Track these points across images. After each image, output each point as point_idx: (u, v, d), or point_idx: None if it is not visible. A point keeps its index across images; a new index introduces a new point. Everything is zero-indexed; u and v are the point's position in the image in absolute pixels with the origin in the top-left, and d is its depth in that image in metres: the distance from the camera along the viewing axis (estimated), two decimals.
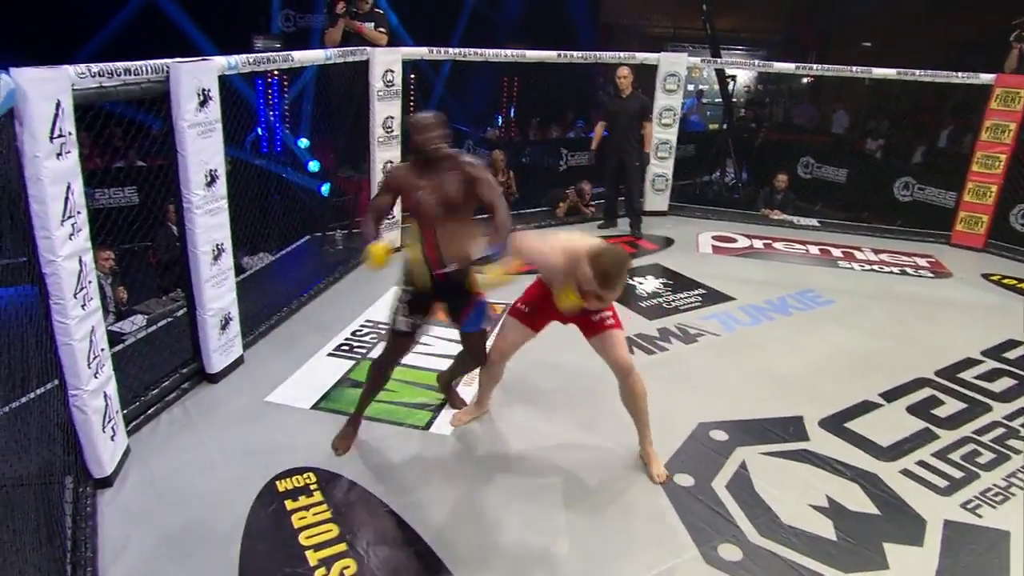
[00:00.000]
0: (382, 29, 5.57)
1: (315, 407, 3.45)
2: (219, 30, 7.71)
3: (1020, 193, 6.61)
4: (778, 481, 3.02)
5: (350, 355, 3.96)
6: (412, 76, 9.61)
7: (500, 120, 10.20)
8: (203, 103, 3.17)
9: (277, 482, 2.89)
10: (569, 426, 3.37)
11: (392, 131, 5.33)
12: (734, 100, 10.62)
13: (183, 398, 3.45)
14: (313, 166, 7.81)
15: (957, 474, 3.13)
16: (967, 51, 10.14)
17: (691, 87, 13.62)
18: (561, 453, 3.17)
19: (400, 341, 2.99)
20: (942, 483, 3.06)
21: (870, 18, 12.04)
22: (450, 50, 5.96)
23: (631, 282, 5.24)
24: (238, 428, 3.25)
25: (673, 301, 4.92)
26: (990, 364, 4.18)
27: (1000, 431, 3.48)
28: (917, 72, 6.45)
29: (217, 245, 3.42)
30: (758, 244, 6.34)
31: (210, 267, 3.39)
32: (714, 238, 6.43)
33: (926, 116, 9.59)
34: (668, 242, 6.25)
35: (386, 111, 5.27)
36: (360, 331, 4.26)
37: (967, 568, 2.60)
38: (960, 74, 6.37)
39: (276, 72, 8.02)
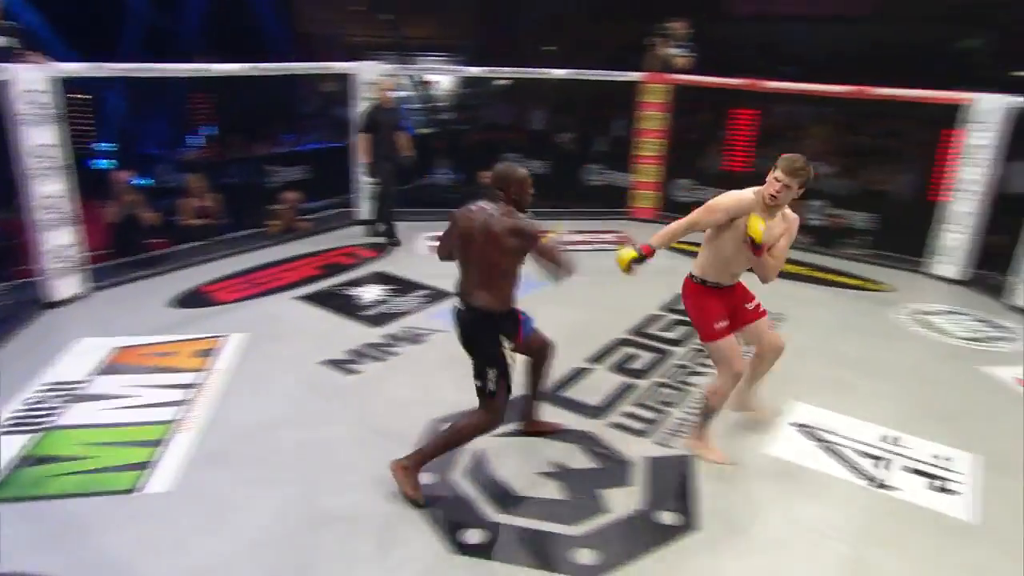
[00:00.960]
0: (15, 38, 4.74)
1: None
2: None
3: (676, 170, 7.97)
4: (510, 459, 3.25)
5: (25, 429, 3.35)
6: (77, 96, 8.42)
7: (197, 140, 9.39)
8: None
9: None
10: (299, 449, 3.25)
11: (51, 160, 4.60)
12: (441, 104, 11.11)
13: None
14: None
15: (652, 416, 3.66)
16: (630, 51, 11.86)
17: (392, 95, 13.93)
18: (289, 481, 3.04)
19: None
20: (642, 427, 3.56)
21: (549, 23, 13.45)
22: (119, 65, 5.33)
23: (351, 293, 5.22)
24: None
25: (399, 305, 5.00)
26: (669, 316, 4.97)
27: (680, 372, 4.16)
28: (585, 72, 7.37)
29: None
30: None
31: None
32: (430, 238, 6.67)
33: (603, 110, 11.01)
34: (386, 248, 6.33)
35: (38, 138, 4.52)
36: (36, 398, 3.61)
37: (666, 491, 3.06)
38: (616, 73, 7.42)
39: None
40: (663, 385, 3.99)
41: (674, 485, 3.11)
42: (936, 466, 3.32)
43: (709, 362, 4.23)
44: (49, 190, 4.63)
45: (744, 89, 7.52)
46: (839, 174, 8.64)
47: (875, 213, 7.01)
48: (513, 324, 2.97)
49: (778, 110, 10.41)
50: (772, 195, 3.00)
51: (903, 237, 6.58)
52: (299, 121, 11.01)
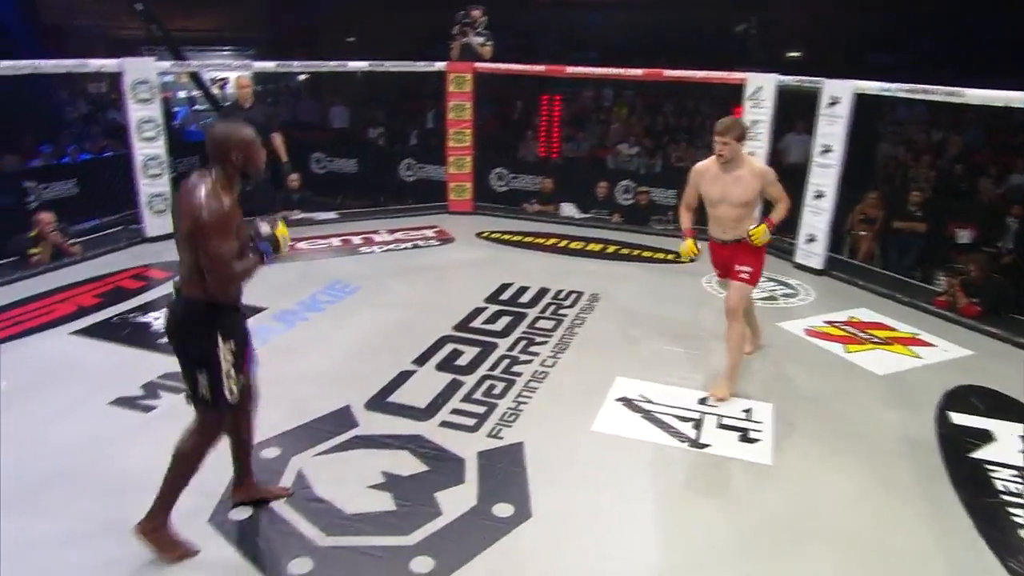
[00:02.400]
0: None
1: None
2: None
3: (490, 160, 8.18)
4: (336, 476, 3.16)
5: None
6: None
7: None
8: None
9: None
10: (88, 506, 2.93)
11: None
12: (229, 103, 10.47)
13: None
14: None
15: (481, 410, 3.74)
16: (435, 39, 11.93)
17: (183, 94, 12.98)
18: (78, 542, 2.74)
19: None
20: (471, 422, 3.62)
21: (349, 12, 13.18)
22: None
23: (143, 320, 4.80)
24: None
25: None
26: (492, 308, 5.10)
27: (506, 362, 4.28)
28: (385, 63, 7.32)
29: None
30: None
31: None
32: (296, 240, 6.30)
33: (414, 102, 11.02)
34: None
35: None
36: None
37: (498, 483, 3.14)
38: (419, 63, 7.46)
39: None
40: (491, 378, 4.09)
41: (507, 476, 3.20)
42: (742, 419, 3.72)
43: (534, 349, 4.44)
44: None
45: (548, 75, 7.89)
46: (643, 153, 9.37)
47: (679, 189, 7.67)
48: (235, 330, 2.60)
49: (584, 95, 11.11)
50: (718, 155, 3.74)
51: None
52: (61, 129, 9.89)
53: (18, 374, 3.99)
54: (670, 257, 6.50)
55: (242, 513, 2.92)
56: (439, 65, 7.39)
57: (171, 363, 4.09)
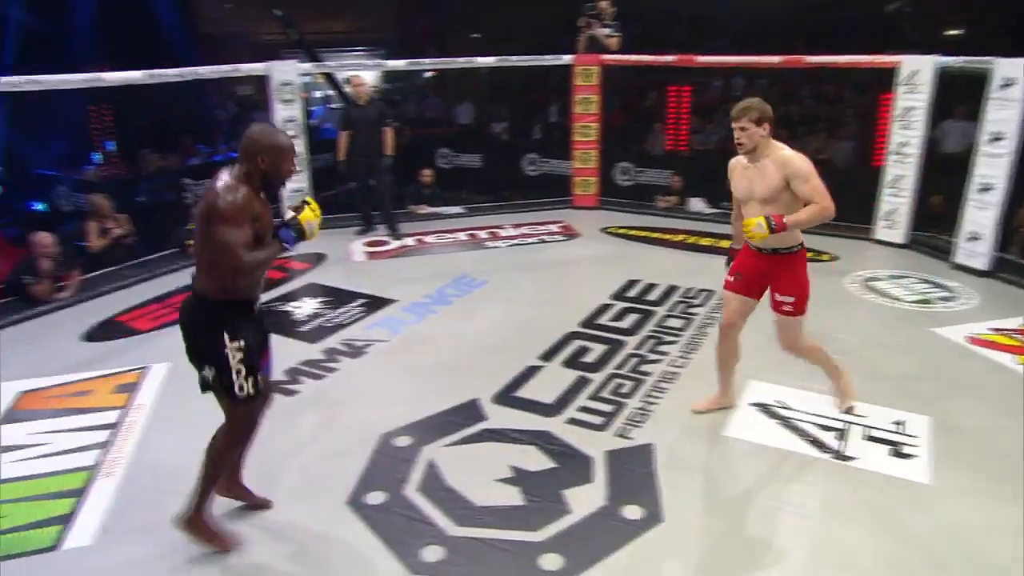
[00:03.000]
0: None
1: None
2: None
3: (616, 154, 8.07)
4: (466, 468, 3.23)
5: None
6: None
7: (98, 157, 9.03)
8: None
9: None
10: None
11: None
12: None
13: None
14: None
15: (608, 408, 3.70)
16: (559, 34, 11.95)
17: (319, 94, 13.71)
18: (233, 519, 2.95)
19: None
20: (599, 420, 3.59)
21: (474, 9, 13.43)
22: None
23: (285, 309, 5.11)
24: None
25: (335, 318, 4.92)
26: (619, 305, 5.03)
27: (634, 360, 4.21)
28: (512, 58, 7.39)
29: None
30: (410, 242, 6.69)
31: None
32: (366, 244, 6.59)
33: (538, 96, 11.06)
34: (320, 258, 6.22)
35: None
36: None
37: (627, 484, 3.09)
38: (547, 57, 7.47)
39: None
40: (618, 376, 4.03)
41: (636, 477, 3.15)
42: (893, 432, 3.45)
43: (663, 349, 4.33)
44: None
45: (678, 66, 7.65)
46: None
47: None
48: (244, 328, 2.58)
49: (713, 84, 10.70)
50: (737, 143, 3.17)
51: (845, 205, 6.81)
52: (213, 130, 10.73)
53: (178, 356, 4.34)
54: (810, 255, 6.14)
55: (377, 497, 3.04)
56: (566, 58, 7.37)
57: (310, 351, 4.40)
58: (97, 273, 5.81)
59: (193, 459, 2.72)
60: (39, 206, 8.07)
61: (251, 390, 2.60)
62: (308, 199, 2.68)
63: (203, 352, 2.58)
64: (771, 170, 3.15)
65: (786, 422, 3.55)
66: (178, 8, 11.34)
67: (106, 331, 4.86)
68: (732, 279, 3.43)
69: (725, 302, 3.49)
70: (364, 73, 7.58)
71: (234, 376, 2.56)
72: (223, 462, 2.71)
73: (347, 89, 10.01)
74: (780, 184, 3.12)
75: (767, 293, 3.37)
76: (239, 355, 2.55)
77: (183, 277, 5.80)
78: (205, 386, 2.62)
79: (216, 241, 2.41)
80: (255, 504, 2.98)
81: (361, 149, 6.55)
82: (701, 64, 7.36)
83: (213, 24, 12.80)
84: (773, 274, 3.30)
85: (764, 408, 3.68)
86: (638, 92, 10.23)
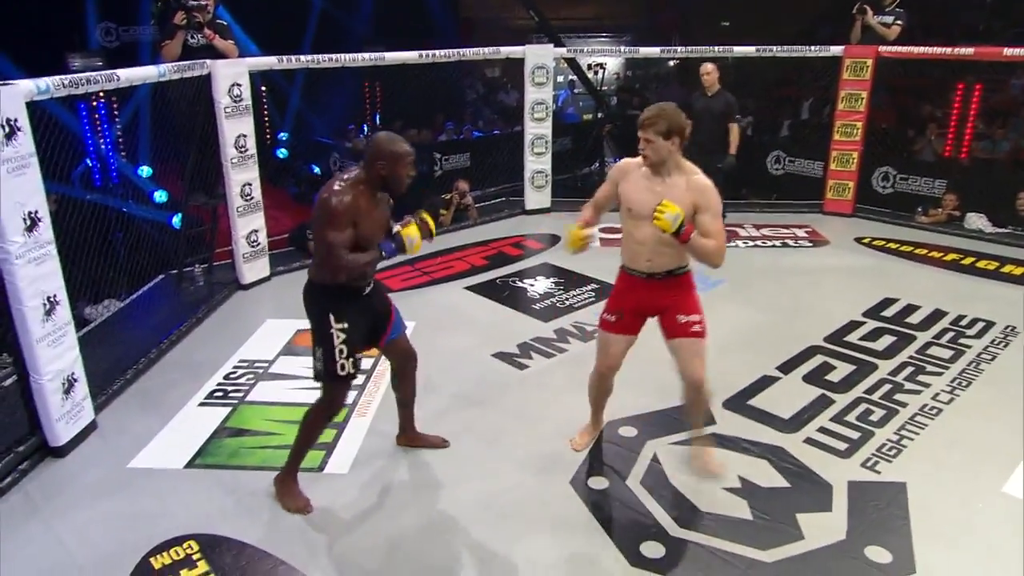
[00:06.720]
0: (230, 41, 5.33)
1: (190, 465, 3.25)
2: (25, 50, 7.08)
3: (879, 158, 7.32)
4: (691, 469, 3.16)
5: (225, 402, 3.76)
6: (263, 89, 9.31)
7: (366, 129, 10.05)
8: (10, 135, 2.91)
9: (152, 559, 2.69)
10: (472, 443, 3.37)
11: (246, 150, 5.12)
12: (604, 88, 11.04)
13: (22, 481, 3.13)
14: (160, 196, 7.36)
15: (854, 435, 3.40)
16: (819, 23, 11.09)
17: (561, 79, 14.06)
18: (464, 477, 3.16)
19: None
20: (842, 446, 3.32)
21: None
22: (301, 58, 5.79)
23: (520, 285, 5.33)
24: (96, 505, 2.99)
25: (567, 300, 5.04)
26: (871, 324, 4.59)
27: (887, 387, 3.82)
28: (774, 48, 6.97)
29: (49, 298, 3.15)
30: None
31: (42, 324, 3.12)
32: (601, 230, 6.61)
33: (788, 89, 10.38)
34: (555, 239, 6.40)
35: (237, 129, 5.05)
36: (234, 373, 4.05)
37: (873, 523, 2.82)
38: (813, 47, 6.95)
39: (101, 94, 7.51)
40: (867, 401, 3.69)
41: (883, 517, 2.86)
42: None
43: (924, 379, 3.89)
44: (243, 178, 5.15)
45: (975, 60, 6.71)
46: None
47: None
48: (349, 312, 2.79)
49: (1010, 82, 9.26)
50: (642, 154, 2.78)
51: None
52: (461, 109, 11.45)
53: (424, 316, 4.73)
54: None
55: (600, 483, 3.08)
56: (834, 49, 6.81)
57: (543, 328, 4.55)
58: None
59: (435, 408, 2.91)
60: (316, 169, 9.20)
61: (351, 369, 2.83)
62: (424, 213, 2.88)
63: (313, 332, 2.83)
64: (682, 191, 2.77)
65: None
66: None
67: None
68: (612, 319, 3.04)
69: (604, 345, 3.10)
70: (612, 59, 7.52)
71: (336, 355, 2.79)
72: (313, 434, 2.98)
73: (605, 76, 10.04)
74: (688, 210, 2.74)
75: (652, 321, 3.02)
76: (342, 335, 2.78)
77: (428, 245, 6.33)
78: (318, 376, 2.87)
79: (319, 239, 2.69)
80: (435, 445, 3.32)
81: (698, 142, 5.66)
82: (1009, 58, 6.33)
83: (470, 8, 13.65)
84: (670, 298, 2.94)
85: None
86: (914, 89, 9.17)
